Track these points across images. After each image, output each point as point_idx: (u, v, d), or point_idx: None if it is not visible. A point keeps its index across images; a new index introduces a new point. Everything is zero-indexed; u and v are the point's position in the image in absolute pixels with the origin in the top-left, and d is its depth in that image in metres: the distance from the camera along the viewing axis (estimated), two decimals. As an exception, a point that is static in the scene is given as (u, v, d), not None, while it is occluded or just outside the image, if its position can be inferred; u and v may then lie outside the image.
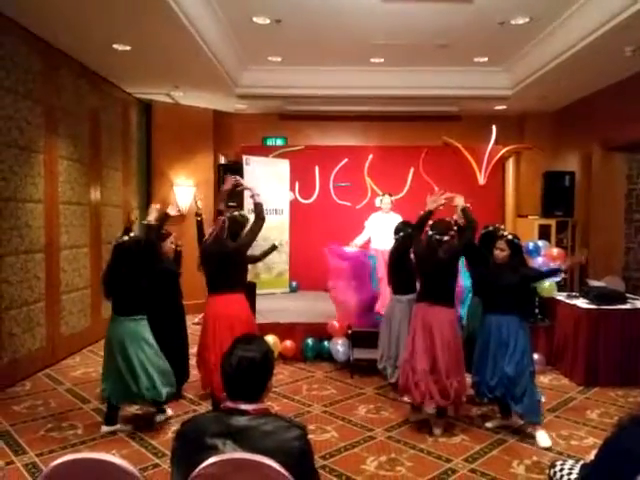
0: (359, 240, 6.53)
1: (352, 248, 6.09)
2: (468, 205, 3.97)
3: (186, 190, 8.18)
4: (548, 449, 3.65)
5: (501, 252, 3.91)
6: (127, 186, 7.49)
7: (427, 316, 3.85)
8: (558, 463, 2.47)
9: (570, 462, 2.45)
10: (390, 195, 6.70)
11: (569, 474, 2.34)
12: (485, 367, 3.89)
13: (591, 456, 2.35)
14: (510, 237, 3.95)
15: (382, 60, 6.91)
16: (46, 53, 5.39)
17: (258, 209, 4.06)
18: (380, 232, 6.42)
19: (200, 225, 4.38)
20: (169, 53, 5.72)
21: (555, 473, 2.42)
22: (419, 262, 4.07)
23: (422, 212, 4.01)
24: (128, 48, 5.54)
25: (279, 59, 6.93)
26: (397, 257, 4.57)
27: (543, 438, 3.74)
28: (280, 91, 7.54)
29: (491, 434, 3.91)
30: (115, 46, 5.48)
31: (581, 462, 2.38)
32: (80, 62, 6.05)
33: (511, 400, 3.83)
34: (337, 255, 5.70)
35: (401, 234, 4.55)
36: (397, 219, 6.17)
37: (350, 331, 5.42)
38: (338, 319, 5.61)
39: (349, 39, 6.13)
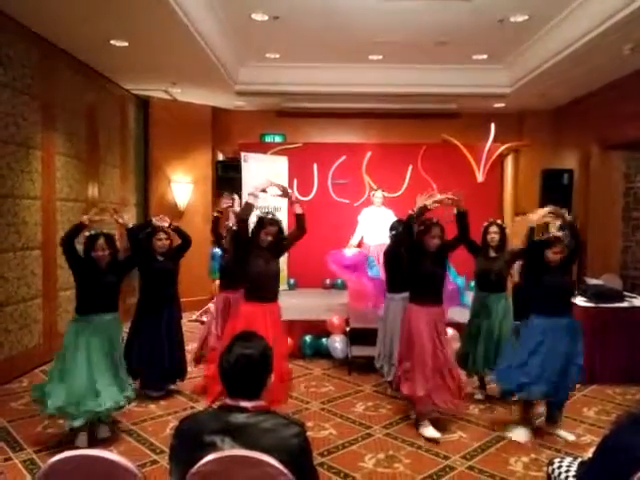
0: (354, 239, 6.63)
1: (351, 250, 6.19)
2: (427, 204, 3.87)
3: (184, 187, 8.17)
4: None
5: (560, 254, 3.75)
6: (125, 183, 7.47)
7: None
8: (556, 460, 2.48)
9: (568, 459, 2.46)
10: (382, 190, 6.84)
11: (567, 471, 2.34)
12: (548, 370, 3.67)
13: (589, 453, 2.36)
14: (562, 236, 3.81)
15: (381, 57, 6.89)
16: (43, 49, 5.37)
17: (300, 220, 3.91)
18: (372, 227, 6.54)
19: (217, 222, 4.30)
20: (167, 49, 5.69)
21: (553, 470, 2.43)
22: None
23: (411, 211, 3.98)
24: (126, 44, 5.51)
25: (277, 56, 6.90)
26: (390, 255, 4.58)
27: (567, 433, 3.82)
28: (278, 88, 7.52)
29: (489, 431, 3.91)
30: (113, 42, 5.45)
31: (579, 459, 2.39)
32: (77, 58, 6.02)
33: (558, 399, 3.83)
34: (338, 261, 5.84)
35: (394, 232, 4.57)
36: (389, 214, 6.37)
37: (348, 328, 5.43)
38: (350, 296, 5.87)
39: (347, 36, 6.11)
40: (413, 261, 3.94)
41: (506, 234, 4.54)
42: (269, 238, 3.80)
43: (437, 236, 3.86)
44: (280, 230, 3.89)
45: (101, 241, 3.67)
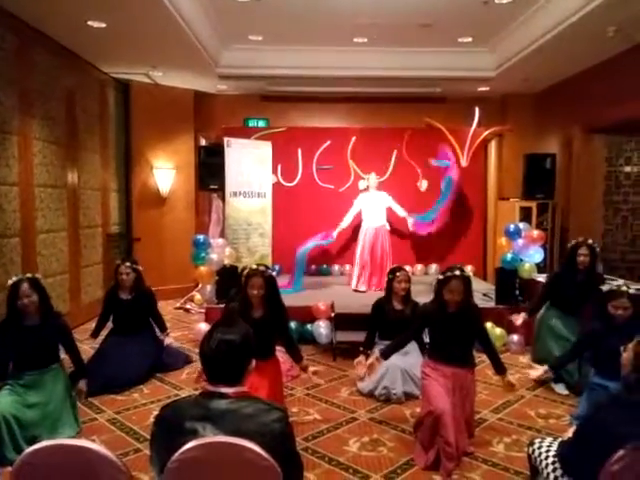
0: (345, 222, 7.03)
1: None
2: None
3: (166, 173, 8.05)
4: None
5: (625, 311, 3.30)
6: (106, 169, 7.34)
7: None
8: (537, 441, 2.51)
9: (548, 440, 2.49)
10: (376, 174, 7.25)
11: (547, 451, 2.38)
12: None
13: (569, 434, 2.40)
14: (631, 290, 3.30)
15: (365, 40, 6.81)
16: (19, 30, 5.19)
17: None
18: (370, 210, 6.98)
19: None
20: (146, 31, 5.56)
21: (534, 450, 2.46)
22: None
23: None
24: (103, 25, 5.37)
25: (260, 38, 6.79)
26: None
27: None
28: (261, 71, 7.42)
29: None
30: (90, 23, 5.30)
31: (559, 439, 2.43)
32: (55, 40, 5.85)
33: None
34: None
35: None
36: (384, 197, 6.98)
37: (333, 314, 5.43)
38: None
39: (331, 18, 6.02)
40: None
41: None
42: (256, 292, 3.45)
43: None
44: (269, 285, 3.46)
45: (25, 286, 3.26)
